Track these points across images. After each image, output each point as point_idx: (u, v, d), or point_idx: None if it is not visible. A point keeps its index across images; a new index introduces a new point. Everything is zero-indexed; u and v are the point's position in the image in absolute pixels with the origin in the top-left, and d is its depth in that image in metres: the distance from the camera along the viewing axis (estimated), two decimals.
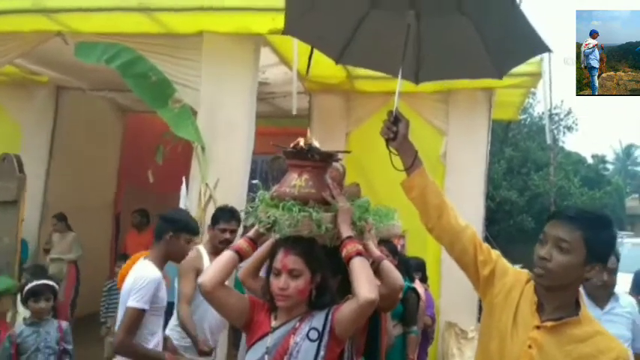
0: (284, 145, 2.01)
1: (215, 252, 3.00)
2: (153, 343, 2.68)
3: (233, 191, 3.86)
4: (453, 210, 1.90)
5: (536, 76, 4.89)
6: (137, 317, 2.57)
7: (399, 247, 5.28)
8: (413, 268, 3.99)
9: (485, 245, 1.87)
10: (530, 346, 1.66)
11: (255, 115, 4.08)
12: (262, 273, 2.22)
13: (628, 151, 44.72)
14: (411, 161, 1.93)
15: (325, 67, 4.10)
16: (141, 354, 2.60)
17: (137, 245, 5.15)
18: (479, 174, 5.35)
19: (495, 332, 1.77)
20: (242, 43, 4.01)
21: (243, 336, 2.87)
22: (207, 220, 3.65)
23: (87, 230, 6.17)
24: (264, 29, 3.92)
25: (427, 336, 4.27)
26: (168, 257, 2.77)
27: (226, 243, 2.98)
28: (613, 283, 2.89)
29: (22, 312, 3.10)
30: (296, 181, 1.94)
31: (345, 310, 1.81)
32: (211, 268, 1.91)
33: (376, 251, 2.23)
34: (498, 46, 2.16)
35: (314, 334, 1.81)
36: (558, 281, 1.64)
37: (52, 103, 6.41)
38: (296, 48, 4.15)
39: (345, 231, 1.87)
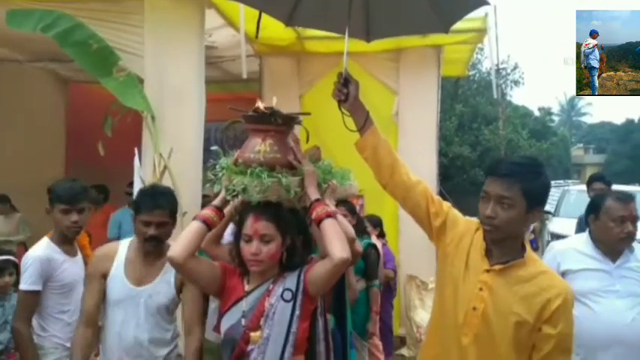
0: (242, 109, 1.97)
1: (144, 251, 2.35)
2: (65, 321, 2.58)
3: (188, 159, 3.79)
4: (404, 167, 1.98)
5: (482, 31, 4.97)
6: (28, 300, 2.48)
7: (357, 207, 5.39)
8: (371, 225, 4.09)
9: (437, 198, 1.97)
10: (481, 289, 1.78)
11: (204, 81, 3.99)
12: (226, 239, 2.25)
13: (572, 102, 46.46)
14: (363, 121, 1.98)
15: (274, 28, 4.02)
16: (24, 346, 2.49)
17: (94, 223, 5.03)
18: (431, 131, 5.45)
19: (449, 279, 1.88)
20: (185, 6, 3.87)
21: (212, 302, 2.90)
22: None
23: (36, 210, 5.90)
24: None
25: (390, 288, 4.43)
26: (59, 231, 2.60)
27: (152, 240, 2.30)
28: (634, 235, 2.55)
29: None
30: (260, 147, 1.92)
31: (320, 269, 1.86)
32: (179, 240, 1.91)
33: (332, 207, 2.30)
34: (441, 1, 2.22)
35: (288, 295, 1.86)
36: (506, 234, 1.77)
37: None
38: (242, 10, 4.05)
39: (313, 193, 1.91)
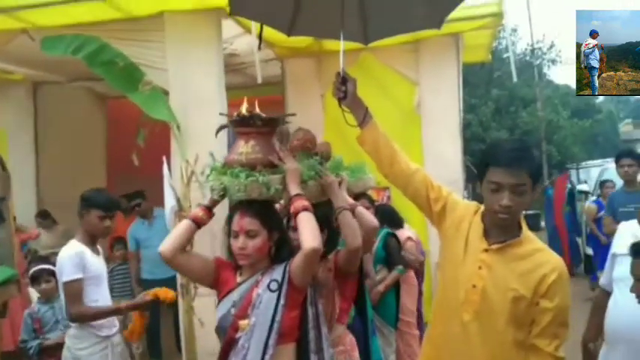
0: (230, 115, 2.14)
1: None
2: None
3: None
4: (403, 157, 2.07)
5: (499, 15, 4.95)
6: (73, 288, 2.85)
7: (385, 198, 5.48)
8: (391, 215, 4.16)
9: (437, 184, 2.05)
10: (480, 267, 1.86)
11: (224, 87, 4.18)
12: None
13: None
14: (362, 116, 2.07)
15: None
16: (95, 314, 2.88)
17: (123, 229, 5.36)
18: (454, 120, 5.46)
19: (449, 260, 1.98)
20: (203, 18, 4.07)
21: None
22: (192, 196, 3.81)
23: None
24: (223, 1, 3.96)
25: (419, 275, 4.50)
26: (90, 233, 3.00)
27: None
28: None
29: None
30: (243, 148, 2.06)
31: (296, 260, 1.97)
32: (169, 236, 2.06)
33: (350, 200, 2.45)
34: None
35: (274, 285, 1.97)
36: (518, 216, 1.86)
37: (30, 100, 6.47)
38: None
39: (293, 189, 2.00)
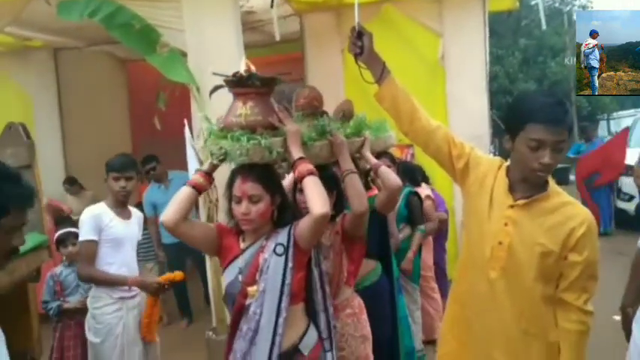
0: (225, 75, 2.00)
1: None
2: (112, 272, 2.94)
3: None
4: (423, 113, 2.01)
5: None
6: (87, 249, 2.90)
7: (408, 156, 5.41)
8: (412, 173, 4.11)
9: (459, 140, 2.00)
10: (505, 224, 1.82)
11: (242, 46, 4.09)
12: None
13: None
14: (380, 72, 1.99)
15: None
16: (101, 278, 2.91)
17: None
18: (480, 72, 5.28)
19: (474, 217, 1.94)
20: None
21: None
22: None
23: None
24: None
25: (442, 232, 4.48)
26: (114, 197, 3.03)
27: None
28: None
29: None
30: (241, 110, 1.96)
31: (304, 224, 1.93)
32: (170, 205, 1.99)
33: (373, 159, 2.40)
34: None
35: (280, 249, 1.93)
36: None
37: (51, 66, 6.49)
38: None
39: (296, 152, 1.92)
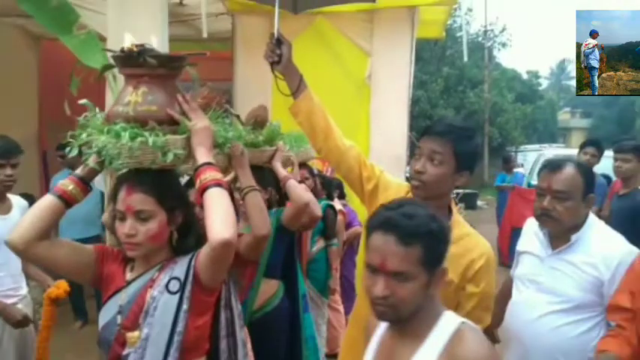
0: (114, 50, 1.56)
1: None
2: None
3: None
4: (338, 131, 1.98)
5: None
6: None
7: (330, 169, 5.44)
8: (333, 187, 4.14)
9: (370, 162, 2.01)
10: None
11: (167, 38, 3.93)
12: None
13: (562, 66, 46.25)
14: (297, 85, 1.93)
15: None
16: None
17: None
18: (403, 94, 5.42)
19: None
20: None
21: None
22: None
23: None
24: None
25: (353, 247, 4.53)
26: None
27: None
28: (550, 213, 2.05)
29: None
30: (130, 97, 1.51)
31: (202, 254, 1.50)
32: (23, 220, 1.53)
33: (282, 171, 2.30)
34: None
35: (175, 285, 1.49)
36: (434, 191, 1.80)
37: None
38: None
39: (202, 155, 1.50)
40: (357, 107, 5.44)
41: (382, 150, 5.08)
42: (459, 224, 1.87)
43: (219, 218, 1.43)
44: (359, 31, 5.45)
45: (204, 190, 1.47)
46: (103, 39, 3.76)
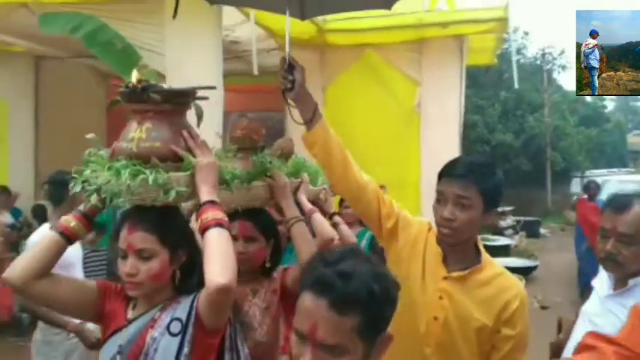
0: (121, 83, 1.56)
1: None
2: None
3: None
4: (356, 165, 1.83)
5: (504, 20, 4.90)
6: None
7: None
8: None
9: (388, 199, 1.88)
10: (440, 297, 1.72)
11: (222, 74, 4.15)
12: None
13: None
14: (311, 114, 1.74)
15: (295, 23, 4.11)
16: (41, 314, 2.59)
17: None
18: (454, 122, 5.43)
19: (405, 285, 1.62)
20: (203, 4, 4.02)
21: None
22: None
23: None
24: None
25: None
26: None
27: None
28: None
29: None
30: (134, 133, 1.49)
31: (202, 296, 1.44)
32: (23, 256, 1.51)
33: (308, 204, 2.08)
34: None
35: (176, 327, 1.45)
36: (464, 236, 1.69)
37: (31, 73, 6.50)
38: (253, 12, 4.18)
39: (205, 194, 1.45)
40: (407, 135, 5.49)
41: (433, 178, 5.05)
42: (490, 264, 1.77)
43: (217, 262, 1.37)
44: (407, 61, 5.54)
45: (204, 230, 1.42)
46: (161, 76, 4.03)
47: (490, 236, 9.84)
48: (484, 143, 16.02)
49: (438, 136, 5.41)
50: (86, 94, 7.15)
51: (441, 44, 5.36)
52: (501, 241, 9.98)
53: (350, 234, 2.16)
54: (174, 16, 2.17)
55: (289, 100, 1.74)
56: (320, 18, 5.19)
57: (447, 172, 1.70)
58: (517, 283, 1.79)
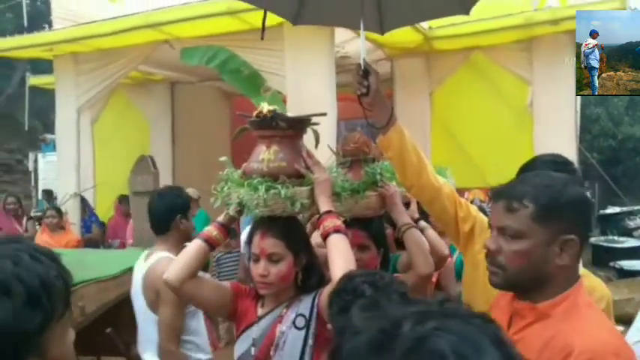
0: (249, 114, 1.78)
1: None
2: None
3: (324, 157, 4.37)
4: (430, 168, 1.82)
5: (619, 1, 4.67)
6: None
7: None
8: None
9: (464, 201, 1.85)
10: None
11: (335, 89, 4.52)
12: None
13: None
14: (387, 118, 1.76)
15: (401, 32, 4.37)
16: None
17: None
18: (569, 119, 5.29)
19: (481, 287, 1.64)
20: (317, 28, 4.43)
21: None
22: None
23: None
24: None
25: None
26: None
27: None
28: None
29: None
30: (264, 155, 1.73)
31: (324, 293, 1.61)
32: (177, 261, 1.74)
33: (404, 217, 2.00)
34: None
35: (301, 322, 1.65)
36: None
37: (168, 97, 7.40)
38: (362, 26, 4.47)
39: (324, 205, 1.66)
40: (520, 135, 5.45)
41: None
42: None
43: (341, 263, 1.56)
44: (517, 60, 5.49)
45: (326, 236, 1.63)
46: (283, 96, 4.49)
47: (617, 238, 9.24)
48: (609, 137, 14.89)
49: (553, 135, 5.30)
50: (214, 112, 7.96)
51: (552, 41, 5.25)
52: (630, 242, 9.30)
53: (440, 241, 2.12)
54: (262, 37, 2.33)
55: (365, 105, 1.78)
56: (425, 26, 5.37)
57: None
58: (601, 284, 1.76)
